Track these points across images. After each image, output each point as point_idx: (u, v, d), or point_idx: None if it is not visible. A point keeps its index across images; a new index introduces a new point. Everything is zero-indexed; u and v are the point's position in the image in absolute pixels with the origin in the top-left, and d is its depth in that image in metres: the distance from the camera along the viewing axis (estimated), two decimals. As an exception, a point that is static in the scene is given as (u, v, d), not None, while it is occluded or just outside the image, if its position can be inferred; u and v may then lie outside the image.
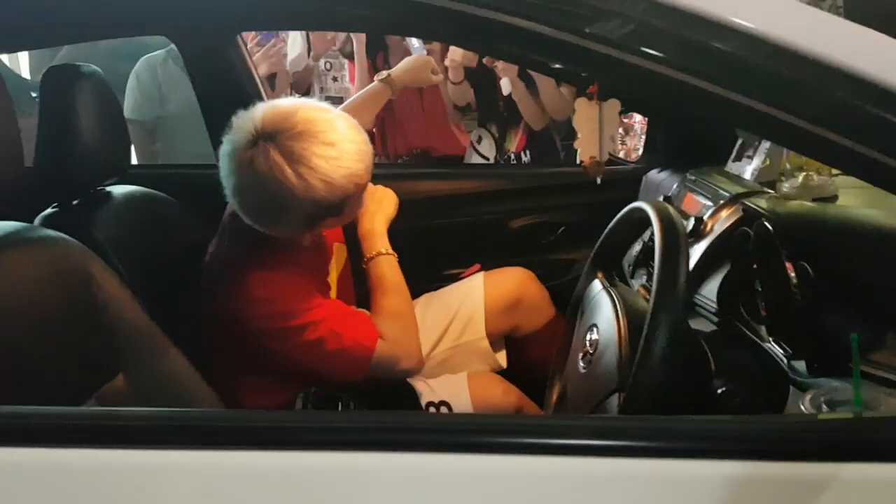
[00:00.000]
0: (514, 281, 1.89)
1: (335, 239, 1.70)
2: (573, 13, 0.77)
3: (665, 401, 0.93)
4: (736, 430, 0.71)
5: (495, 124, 2.65)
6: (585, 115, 1.43)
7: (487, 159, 2.66)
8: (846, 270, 0.99)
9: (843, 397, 0.85)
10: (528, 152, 2.64)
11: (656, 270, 0.97)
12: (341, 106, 1.96)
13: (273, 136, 1.28)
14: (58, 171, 1.47)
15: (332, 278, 1.64)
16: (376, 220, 1.62)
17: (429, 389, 1.64)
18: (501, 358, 1.84)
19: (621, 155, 2.78)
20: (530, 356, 1.81)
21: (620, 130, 2.82)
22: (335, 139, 1.29)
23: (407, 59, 2.14)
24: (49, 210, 1.50)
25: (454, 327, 1.83)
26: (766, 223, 1.11)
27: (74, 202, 1.52)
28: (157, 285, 1.48)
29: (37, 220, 1.48)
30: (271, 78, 2.53)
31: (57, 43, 2.01)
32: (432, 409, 1.58)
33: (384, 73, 2.06)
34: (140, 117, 2.62)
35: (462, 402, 1.60)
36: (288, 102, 1.35)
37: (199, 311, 1.51)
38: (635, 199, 1.96)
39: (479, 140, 2.68)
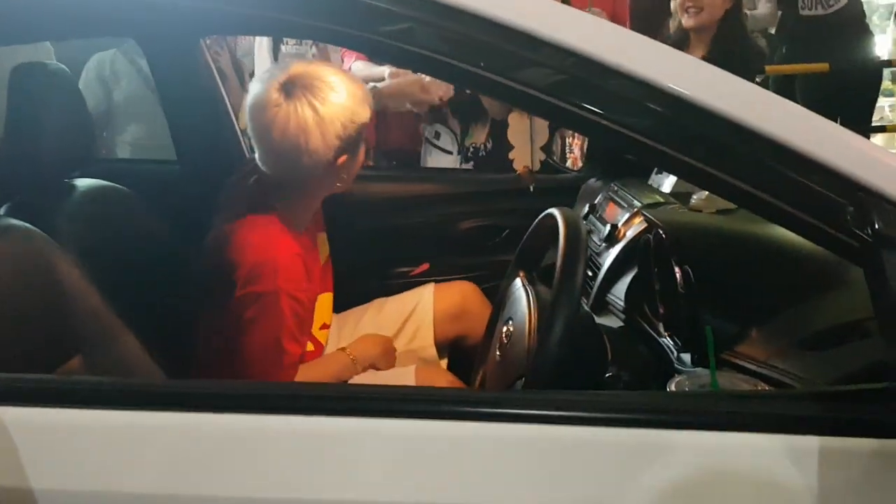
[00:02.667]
0: (460, 294, 2.00)
1: (318, 229, 1.82)
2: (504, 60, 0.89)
3: (560, 384, 1.05)
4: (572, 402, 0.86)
5: (457, 119, 2.74)
6: (518, 129, 1.55)
7: (451, 153, 2.75)
8: (720, 274, 1.13)
9: (706, 381, 0.98)
10: (490, 141, 2.71)
11: (557, 269, 1.10)
12: None
13: (297, 84, 1.48)
14: (24, 165, 1.56)
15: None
16: (369, 348, 1.77)
17: (377, 379, 1.77)
18: (444, 364, 1.96)
19: (569, 164, 2.92)
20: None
21: (570, 141, 2.95)
22: (344, 87, 1.51)
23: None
24: (14, 201, 1.59)
25: (405, 333, 1.94)
26: (661, 231, 1.25)
27: (39, 194, 1.61)
28: (115, 273, 1.58)
29: (2, 210, 1.56)
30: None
31: (22, 41, 2.09)
32: None
33: None
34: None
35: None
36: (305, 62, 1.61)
37: (155, 297, 1.61)
38: (573, 206, 2.11)
39: (437, 135, 2.77)
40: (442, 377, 1.82)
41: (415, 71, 2.45)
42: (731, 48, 2.76)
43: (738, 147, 0.88)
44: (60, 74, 1.63)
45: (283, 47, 3.84)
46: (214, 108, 2.12)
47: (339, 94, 1.49)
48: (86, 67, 2.91)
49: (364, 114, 1.53)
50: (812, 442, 0.83)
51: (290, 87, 1.48)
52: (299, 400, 0.95)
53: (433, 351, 1.93)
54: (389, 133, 2.91)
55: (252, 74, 3.10)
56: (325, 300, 1.80)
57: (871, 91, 4.34)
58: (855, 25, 4.17)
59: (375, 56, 2.33)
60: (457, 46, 0.90)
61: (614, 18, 3.59)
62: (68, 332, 1.33)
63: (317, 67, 1.54)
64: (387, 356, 1.78)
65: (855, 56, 4.13)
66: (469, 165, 2.68)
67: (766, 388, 0.97)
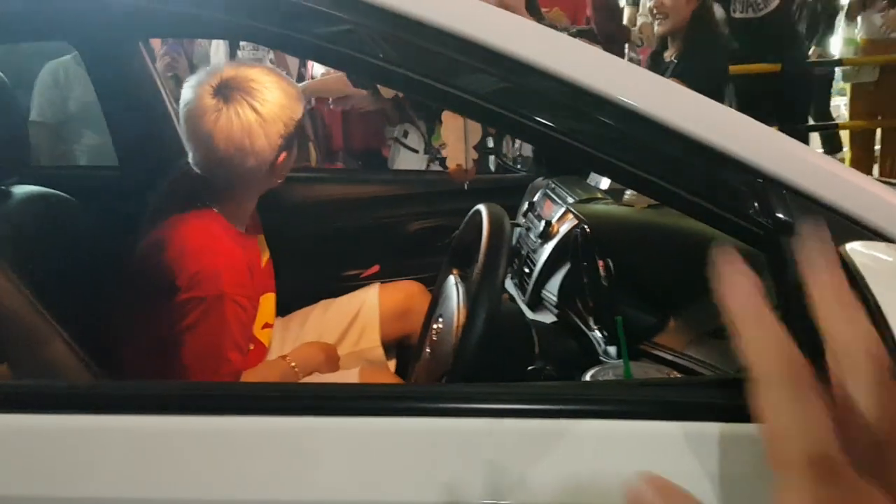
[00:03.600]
0: (405, 293, 2.01)
1: (257, 231, 1.80)
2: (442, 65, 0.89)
3: (482, 378, 1.05)
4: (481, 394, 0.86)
5: (422, 119, 2.75)
6: (451, 126, 1.55)
7: (417, 151, 2.76)
8: (640, 266, 1.14)
9: (621, 372, 0.99)
10: None
11: (479, 264, 1.10)
12: None
13: (231, 86, 1.48)
14: (-46, 171, 1.54)
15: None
16: (312, 355, 1.74)
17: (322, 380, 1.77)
18: (391, 364, 1.96)
19: (519, 165, 2.94)
20: None
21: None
22: (278, 86, 1.51)
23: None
24: (-57, 207, 1.56)
25: (351, 334, 1.94)
26: (586, 226, 1.26)
27: (-30, 200, 1.58)
28: (52, 279, 1.56)
29: (-70, 217, 1.54)
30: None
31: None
32: None
33: None
34: (45, 120, 2.76)
35: None
36: (236, 64, 1.61)
37: (93, 302, 1.59)
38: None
39: (406, 134, 2.78)
40: (386, 378, 1.82)
41: (360, 77, 2.46)
42: (700, 48, 2.81)
43: (643, 139, 0.89)
44: (-9, 80, 1.60)
45: (239, 52, 3.83)
46: (156, 114, 2.10)
47: (274, 93, 1.49)
48: (40, 76, 2.89)
49: (299, 110, 1.54)
50: (715, 428, 0.84)
51: (227, 91, 1.47)
52: (240, 400, 0.94)
53: (380, 352, 1.93)
54: (355, 134, 2.92)
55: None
56: (268, 300, 1.79)
57: (803, 92, 4.42)
58: (784, 29, 4.25)
59: (308, 57, 2.34)
60: (395, 51, 0.91)
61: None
62: (-5, 339, 1.31)
63: (247, 69, 1.53)
64: (330, 363, 1.76)
65: (785, 58, 4.21)
66: (436, 166, 2.70)
67: (678, 376, 0.98)
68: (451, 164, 1.54)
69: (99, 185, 2.11)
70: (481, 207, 1.27)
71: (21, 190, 1.71)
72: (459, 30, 0.89)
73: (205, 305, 1.48)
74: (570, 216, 1.48)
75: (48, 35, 2.03)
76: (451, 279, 1.40)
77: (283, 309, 2.03)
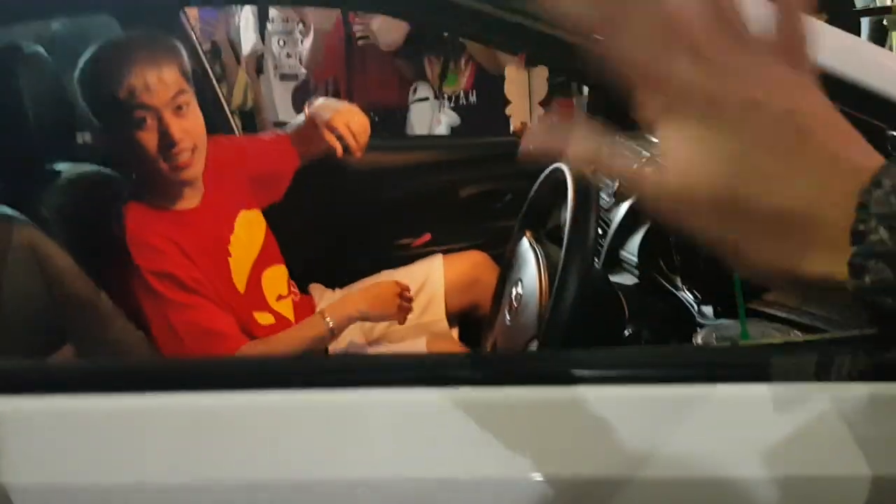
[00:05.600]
0: (471, 263, 1.97)
1: (243, 205, 1.71)
2: None
3: (576, 344, 0.99)
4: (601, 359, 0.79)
5: (436, 58, 2.67)
6: (515, 82, 1.47)
7: (426, 99, 2.71)
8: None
9: (734, 332, 0.92)
10: (475, 92, 2.55)
11: (568, 225, 1.03)
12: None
13: None
14: (3, 151, 1.50)
15: (242, 249, 1.66)
16: (354, 303, 1.65)
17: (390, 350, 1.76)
18: (455, 334, 1.92)
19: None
20: None
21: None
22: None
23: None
24: (-5, 189, 1.53)
25: (416, 306, 1.86)
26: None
27: (21, 180, 1.55)
28: (105, 258, 1.53)
29: (-17, 198, 1.50)
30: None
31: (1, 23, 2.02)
32: None
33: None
34: None
35: None
36: None
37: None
38: (576, 165, 2.04)
39: (416, 90, 2.75)
40: (453, 348, 1.78)
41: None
42: None
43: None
44: (37, 57, 1.56)
45: (269, 25, 3.78)
46: (200, 87, 2.04)
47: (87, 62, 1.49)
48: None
49: (124, 71, 1.44)
50: (857, 389, 0.77)
51: None
52: (301, 374, 0.88)
53: (445, 325, 1.89)
54: (372, 87, 2.88)
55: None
56: (277, 272, 1.73)
57: None
58: None
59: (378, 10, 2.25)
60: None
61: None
62: (56, 319, 1.28)
63: None
64: (377, 305, 1.63)
65: (831, 8, 4.02)
66: (451, 111, 2.63)
67: (800, 335, 0.91)
68: (515, 123, 1.46)
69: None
70: (561, 165, 1.20)
71: (69, 168, 1.68)
72: None
73: (134, 285, 1.47)
74: (647, 171, 1.39)
75: (90, 8, 1.97)
76: (525, 242, 1.33)
77: (338, 279, 1.99)
